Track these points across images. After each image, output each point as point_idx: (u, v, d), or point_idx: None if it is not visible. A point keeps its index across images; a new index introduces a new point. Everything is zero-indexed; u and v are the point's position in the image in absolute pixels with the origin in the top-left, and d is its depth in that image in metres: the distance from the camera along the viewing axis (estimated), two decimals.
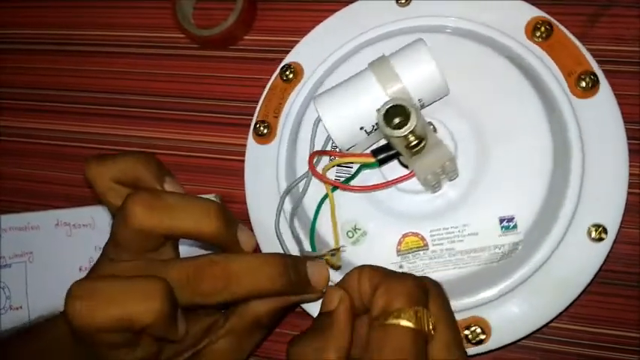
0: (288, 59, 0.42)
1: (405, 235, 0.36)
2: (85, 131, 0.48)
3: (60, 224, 0.43)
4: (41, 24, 0.52)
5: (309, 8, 0.45)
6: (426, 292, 0.27)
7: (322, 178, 0.35)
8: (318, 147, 0.38)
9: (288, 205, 0.38)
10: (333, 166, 0.37)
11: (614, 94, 0.36)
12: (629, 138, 0.35)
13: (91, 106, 0.49)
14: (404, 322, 0.25)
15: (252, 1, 0.45)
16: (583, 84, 0.36)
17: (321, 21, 0.42)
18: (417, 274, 0.31)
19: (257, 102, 0.42)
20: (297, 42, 0.42)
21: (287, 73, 0.42)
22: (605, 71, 0.36)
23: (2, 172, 0.49)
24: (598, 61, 0.36)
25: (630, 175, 0.35)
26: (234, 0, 0.44)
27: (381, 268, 0.29)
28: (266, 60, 0.44)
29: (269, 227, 0.38)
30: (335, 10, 0.42)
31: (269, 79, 0.42)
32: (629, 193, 0.35)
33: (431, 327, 0.26)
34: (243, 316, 0.32)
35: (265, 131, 0.42)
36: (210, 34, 0.44)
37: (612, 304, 0.36)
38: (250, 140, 0.42)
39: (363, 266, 0.29)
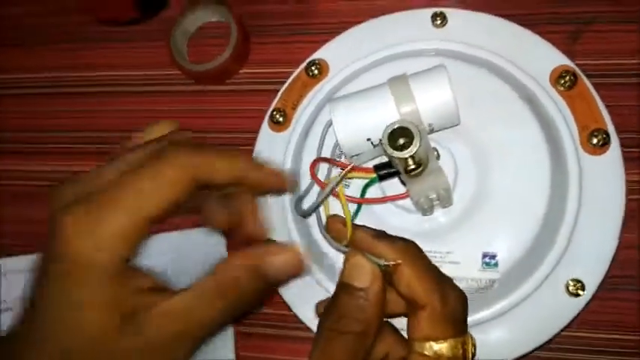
0: (317, 55, 0.43)
1: None
2: (84, 170, 0.48)
3: None
4: (35, 67, 0.52)
5: (301, 40, 0.46)
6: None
7: (323, 186, 0.36)
8: (326, 148, 0.39)
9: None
10: (338, 181, 0.37)
11: (606, 105, 0.37)
12: (623, 146, 0.36)
13: (88, 145, 0.49)
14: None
15: (245, 35, 0.47)
16: (595, 140, 0.36)
17: (314, 51, 0.43)
18: None
19: (255, 132, 0.43)
20: (291, 72, 0.43)
21: (313, 68, 0.42)
22: (594, 85, 0.37)
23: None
24: (586, 75, 0.38)
25: (628, 182, 0.36)
26: (228, 35, 0.45)
27: (426, 267, 0.29)
28: (262, 92, 0.45)
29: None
30: (326, 41, 0.43)
31: (266, 109, 0.43)
32: (628, 200, 0.36)
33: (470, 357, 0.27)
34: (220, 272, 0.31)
35: (281, 119, 0.43)
36: (206, 69, 0.46)
37: (608, 308, 0.37)
38: (264, 126, 0.43)
39: (395, 243, 0.29)
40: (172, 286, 0.32)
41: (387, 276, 0.28)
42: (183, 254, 0.43)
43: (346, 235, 0.31)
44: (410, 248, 0.29)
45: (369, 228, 0.31)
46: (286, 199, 0.40)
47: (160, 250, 0.40)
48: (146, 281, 0.31)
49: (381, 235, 0.30)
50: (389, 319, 0.32)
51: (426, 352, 0.27)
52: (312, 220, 0.39)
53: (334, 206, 0.35)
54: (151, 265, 0.33)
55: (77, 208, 0.30)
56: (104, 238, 0.29)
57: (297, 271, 0.31)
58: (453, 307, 0.28)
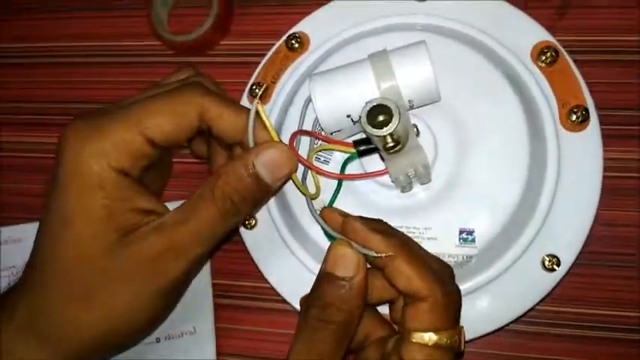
0: (298, 28, 0.42)
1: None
2: None
3: None
4: (15, 38, 0.51)
5: (284, 12, 0.45)
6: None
7: (302, 160, 0.36)
8: (307, 125, 0.38)
9: None
10: (317, 152, 0.37)
11: (586, 82, 0.37)
12: (603, 123, 0.36)
13: (66, 117, 0.48)
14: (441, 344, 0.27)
15: (228, 6, 0.45)
16: (574, 117, 0.36)
17: (297, 22, 0.42)
18: None
19: None
20: (273, 45, 0.42)
21: (293, 41, 0.42)
22: (575, 61, 0.37)
23: None
24: (567, 52, 0.38)
25: (606, 159, 0.36)
26: (209, 5, 0.44)
27: (414, 257, 0.29)
28: (243, 64, 0.44)
29: None
30: (309, 14, 0.42)
31: (247, 82, 0.42)
32: (604, 177, 0.36)
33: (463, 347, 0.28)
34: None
35: (260, 94, 0.42)
36: (186, 39, 0.45)
37: (594, 285, 0.38)
38: (244, 99, 0.42)
39: (391, 238, 0.29)
40: None
41: (377, 267, 0.29)
42: None
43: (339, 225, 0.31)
44: (406, 243, 0.29)
45: (366, 219, 0.30)
46: None
47: None
48: (147, 203, 0.31)
49: (377, 228, 0.29)
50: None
51: (426, 343, 0.27)
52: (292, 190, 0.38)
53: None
54: None
55: (82, 120, 0.30)
56: (102, 146, 0.29)
57: (288, 165, 0.31)
58: (453, 299, 0.28)
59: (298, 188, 0.35)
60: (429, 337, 0.27)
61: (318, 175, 0.36)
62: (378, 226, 0.30)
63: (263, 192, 0.31)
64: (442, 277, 0.29)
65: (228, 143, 0.34)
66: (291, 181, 0.34)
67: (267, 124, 0.32)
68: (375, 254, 0.28)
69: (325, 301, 0.28)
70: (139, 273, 0.30)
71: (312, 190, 0.36)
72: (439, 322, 0.27)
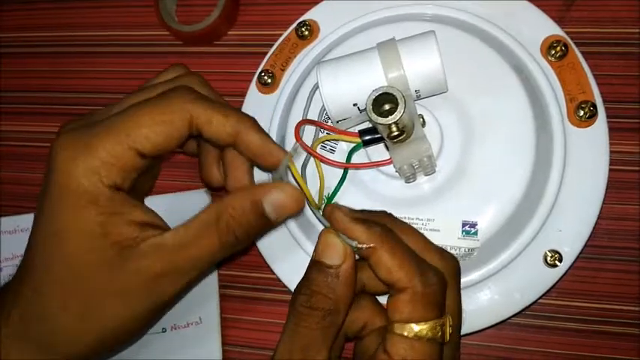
0: (308, 16, 0.42)
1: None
2: None
3: None
4: (22, 26, 0.51)
5: (291, 2, 0.45)
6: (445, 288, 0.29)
7: (308, 149, 0.36)
8: (313, 112, 0.38)
9: None
10: (322, 142, 0.37)
11: (594, 74, 0.37)
12: (610, 116, 0.36)
13: (75, 106, 0.48)
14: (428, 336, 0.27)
15: None
16: (581, 113, 0.36)
17: (304, 12, 0.42)
18: None
19: (244, 95, 0.43)
20: (281, 35, 0.42)
21: (303, 29, 0.42)
22: (583, 53, 0.37)
23: None
24: (576, 44, 0.37)
25: (613, 152, 0.36)
26: None
27: (401, 245, 0.29)
28: (251, 54, 0.45)
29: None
30: (318, 2, 0.42)
31: (255, 72, 0.42)
32: (610, 170, 0.36)
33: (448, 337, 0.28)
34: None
35: (269, 81, 0.42)
36: (194, 29, 0.45)
37: (596, 278, 0.38)
38: (252, 87, 0.43)
39: (373, 224, 0.29)
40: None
41: (363, 257, 0.29)
42: (175, 217, 0.44)
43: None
44: (388, 234, 0.29)
45: (351, 210, 0.30)
46: None
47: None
48: (142, 215, 0.31)
49: (360, 218, 0.29)
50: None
51: (406, 334, 0.27)
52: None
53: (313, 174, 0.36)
54: None
55: (71, 135, 0.30)
56: (92, 163, 0.29)
57: (294, 208, 0.31)
58: (433, 289, 0.28)
59: (307, 199, 0.34)
60: (410, 328, 0.27)
61: (322, 164, 0.36)
62: (362, 215, 0.30)
63: (266, 227, 0.32)
64: (422, 266, 0.28)
65: (218, 145, 0.34)
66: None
67: (297, 175, 0.33)
68: (358, 245, 0.28)
69: (312, 289, 0.28)
70: (135, 290, 0.30)
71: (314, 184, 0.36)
72: (419, 312, 0.27)
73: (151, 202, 0.39)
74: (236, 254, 0.40)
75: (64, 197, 0.29)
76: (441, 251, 0.31)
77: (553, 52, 0.37)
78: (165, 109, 0.31)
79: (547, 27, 0.38)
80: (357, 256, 0.29)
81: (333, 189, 0.37)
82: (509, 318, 0.36)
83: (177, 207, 0.42)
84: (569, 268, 0.36)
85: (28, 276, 0.31)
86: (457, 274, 0.31)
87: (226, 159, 0.35)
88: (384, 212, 0.32)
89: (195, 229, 0.30)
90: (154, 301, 0.31)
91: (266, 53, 0.43)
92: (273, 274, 0.40)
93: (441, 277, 0.29)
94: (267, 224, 0.31)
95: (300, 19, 0.42)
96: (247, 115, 0.33)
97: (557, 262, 0.35)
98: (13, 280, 0.31)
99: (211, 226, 0.30)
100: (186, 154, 0.39)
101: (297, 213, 0.32)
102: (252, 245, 0.41)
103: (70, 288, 0.30)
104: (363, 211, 0.31)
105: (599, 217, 0.35)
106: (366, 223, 0.29)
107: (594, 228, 0.36)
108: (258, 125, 0.34)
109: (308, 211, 0.38)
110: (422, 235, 0.31)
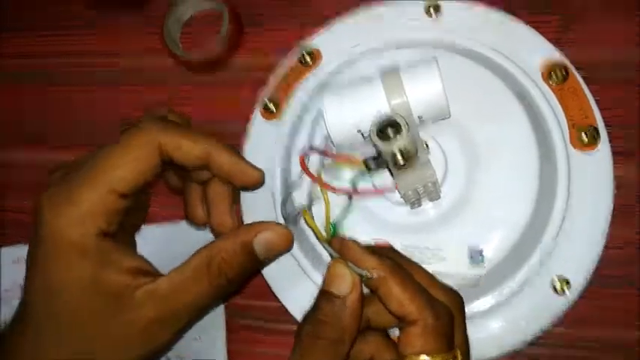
0: (311, 43, 0.43)
1: (376, 242, 0.37)
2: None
3: None
4: (22, 53, 0.52)
5: (294, 29, 0.45)
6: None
7: (313, 177, 0.36)
8: (317, 138, 0.39)
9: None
10: (327, 169, 0.37)
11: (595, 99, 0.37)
12: (613, 141, 0.36)
13: (77, 134, 0.49)
14: None
15: (238, 24, 0.46)
16: (584, 137, 0.36)
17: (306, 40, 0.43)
18: None
19: (248, 122, 0.43)
20: (284, 61, 0.43)
21: (306, 56, 0.42)
22: (584, 78, 0.37)
23: None
24: (576, 68, 0.37)
25: (617, 176, 0.36)
26: (220, 23, 0.45)
27: (409, 276, 0.29)
28: (255, 80, 0.45)
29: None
30: (318, 30, 0.43)
31: (260, 98, 0.43)
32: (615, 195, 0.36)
33: None
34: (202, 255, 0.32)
35: (273, 108, 0.42)
36: (198, 57, 0.45)
37: (603, 307, 0.37)
38: (256, 114, 0.43)
39: (385, 257, 0.29)
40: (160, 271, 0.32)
41: (372, 288, 0.29)
42: (172, 246, 0.43)
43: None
44: (399, 267, 0.29)
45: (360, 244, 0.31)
46: (277, 191, 0.40)
47: (149, 241, 0.39)
48: (132, 261, 0.31)
49: (372, 250, 0.30)
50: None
51: None
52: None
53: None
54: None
55: (54, 189, 0.31)
56: (76, 215, 0.30)
57: (284, 246, 0.32)
58: (443, 322, 0.28)
59: (312, 230, 0.34)
60: None
61: (327, 191, 0.36)
62: (374, 248, 0.30)
63: (255, 266, 0.33)
64: (432, 299, 0.29)
65: (193, 169, 0.35)
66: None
67: (313, 225, 0.34)
68: (368, 274, 0.28)
69: (318, 318, 0.28)
70: (130, 339, 0.31)
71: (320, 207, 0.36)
72: (431, 345, 0.27)
73: (147, 233, 0.40)
74: (229, 295, 0.40)
75: (53, 252, 0.30)
76: (446, 287, 0.31)
77: (554, 76, 0.37)
78: (134, 146, 0.32)
79: (548, 52, 0.38)
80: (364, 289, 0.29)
81: (337, 216, 0.36)
82: (519, 347, 0.35)
83: (175, 237, 0.42)
84: (578, 295, 0.35)
85: (23, 328, 0.31)
86: (462, 309, 0.31)
87: (208, 196, 0.36)
88: (389, 247, 0.33)
89: (188, 275, 0.31)
90: (148, 348, 0.31)
91: (269, 80, 0.43)
92: (281, 303, 0.39)
93: (448, 311, 0.29)
94: (258, 264, 0.32)
95: (303, 46, 0.43)
96: (216, 138, 0.34)
97: (565, 289, 0.35)
98: (9, 331, 0.32)
99: (203, 271, 0.31)
100: (169, 188, 0.39)
101: (286, 251, 0.33)
102: (244, 285, 0.41)
103: (65, 340, 0.30)
104: (369, 246, 0.31)
105: (606, 243, 0.35)
106: (377, 254, 0.29)
107: (602, 254, 0.35)
108: (229, 146, 0.34)
109: (316, 242, 0.38)
110: (427, 271, 0.31)
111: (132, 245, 0.37)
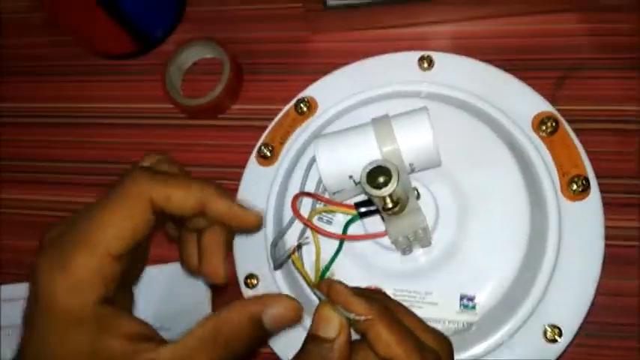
0: (307, 93, 0.44)
1: (368, 287, 0.37)
2: (75, 201, 0.49)
3: None
4: (31, 97, 0.54)
5: (292, 78, 0.47)
6: None
7: (304, 220, 0.36)
8: (310, 185, 0.39)
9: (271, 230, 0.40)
10: (319, 213, 0.38)
11: (587, 150, 0.38)
12: (603, 191, 0.37)
13: (82, 176, 0.50)
14: None
15: (238, 72, 0.48)
16: (574, 187, 0.37)
17: (303, 89, 0.44)
18: None
19: (244, 167, 0.44)
20: (282, 109, 0.44)
21: (302, 105, 0.43)
22: (575, 130, 0.38)
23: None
24: (567, 120, 0.38)
25: (608, 227, 0.36)
26: (221, 72, 0.47)
27: (395, 323, 0.29)
28: (253, 127, 0.46)
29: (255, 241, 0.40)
30: (315, 80, 0.44)
31: (255, 145, 0.44)
32: (607, 245, 0.36)
33: None
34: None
35: (268, 154, 0.43)
36: (198, 103, 0.47)
37: (595, 356, 0.37)
38: (252, 160, 0.44)
39: (373, 300, 0.29)
40: (162, 328, 0.31)
41: (360, 332, 0.29)
42: (177, 289, 0.44)
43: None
44: (387, 310, 0.29)
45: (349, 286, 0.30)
46: (269, 233, 0.40)
47: (151, 282, 0.39)
48: (131, 326, 0.30)
49: (359, 293, 0.29)
50: None
51: None
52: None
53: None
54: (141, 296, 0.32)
55: (50, 250, 0.30)
56: (73, 283, 0.29)
57: (293, 320, 0.31)
58: None
59: (301, 273, 0.35)
60: None
61: (319, 236, 0.36)
62: (361, 290, 0.30)
63: (263, 339, 0.32)
64: (421, 344, 0.28)
65: (189, 218, 0.34)
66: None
67: (301, 269, 0.34)
68: (356, 317, 0.28)
69: None
70: None
71: (309, 250, 0.36)
72: None
73: (151, 273, 0.40)
74: None
75: (49, 319, 0.29)
76: (435, 332, 0.31)
77: (544, 127, 0.38)
78: (124, 203, 0.31)
79: (538, 103, 0.39)
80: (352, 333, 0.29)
81: (329, 260, 0.37)
82: None
83: (178, 277, 0.43)
84: (569, 344, 0.35)
85: None
86: (451, 354, 0.30)
87: (202, 244, 0.36)
88: (378, 290, 0.33)
89: (192, 346, 0.30)
90: None
91: (266, 127, 0.44)
92: (270, 348, 0.39)
93: (437, 356, 0.28)
94: (264, 333, 0.31)
95: (300, 96, 0.44)
96: (210, 183, 0.33)
97: (556, 338, 0.35)
98: None
99: (208, 343, 0.30)
100: (168, 238, 0.39)
101: (296, 323, 0.32)
102: (251, 357, 0.40)
103: None
104: (357, 289, 0.31)
105: (596, 292, 0.35)
106: (366, 298, 0.29)
107: (592, 303, 0.35)
108: (222, 191, 0.34)
109: (305, 286, 0.38)
110: (416, 315, 0.31)
111: (131, 298, 0.36)
